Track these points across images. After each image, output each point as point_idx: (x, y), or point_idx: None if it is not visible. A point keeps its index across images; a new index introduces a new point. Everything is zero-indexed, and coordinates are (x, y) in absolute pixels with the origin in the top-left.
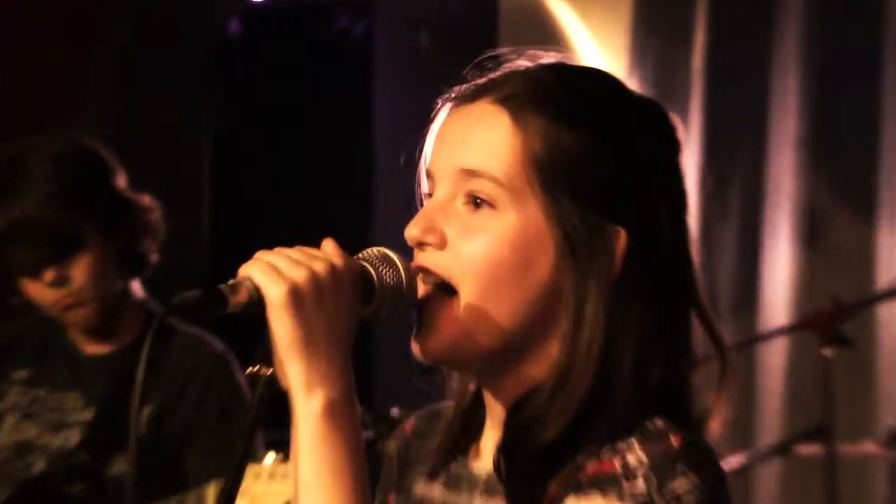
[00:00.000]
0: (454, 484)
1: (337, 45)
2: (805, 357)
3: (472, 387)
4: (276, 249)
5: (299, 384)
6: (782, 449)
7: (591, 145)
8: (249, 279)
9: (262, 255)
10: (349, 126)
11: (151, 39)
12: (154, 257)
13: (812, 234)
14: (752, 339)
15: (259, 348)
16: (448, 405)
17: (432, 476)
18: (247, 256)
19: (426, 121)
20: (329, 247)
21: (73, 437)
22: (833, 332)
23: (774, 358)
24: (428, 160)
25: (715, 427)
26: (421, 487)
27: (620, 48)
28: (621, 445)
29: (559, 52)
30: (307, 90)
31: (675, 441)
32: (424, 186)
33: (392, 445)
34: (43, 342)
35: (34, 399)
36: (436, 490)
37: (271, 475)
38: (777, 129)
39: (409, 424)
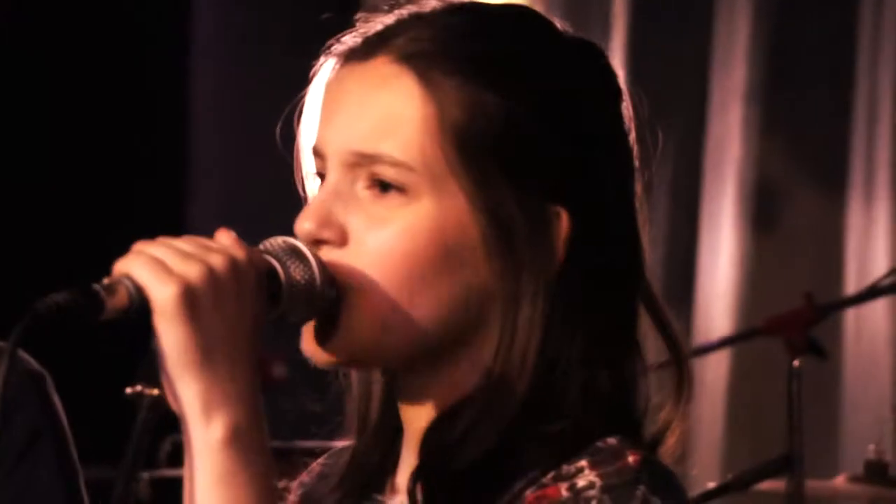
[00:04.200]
0: None
1: None
2: (752, 371)
3: (376, 389)
4: (161, 240)
5: (196, 407)
6: (739, 485)
7: (520, 108)
8: (129, 277)
9: (142, 248)
10: (154, 68)
11: None
12: None
13: (763, 215)
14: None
15: (141, 363)
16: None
17: None
18: (17, 253)
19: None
20: (225, 237)
21: None
22: (806, 339)
23: (710, 373)
24: (314, 134)
25: (673, 446)
26: None
27: None
28: (568, 469)
29: None
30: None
31: (632, 460)
32: (309, 165)
33: (293, 498)
34: None
35: None
36: None
37: None
38: (721, 77)
39: (316, 466)
